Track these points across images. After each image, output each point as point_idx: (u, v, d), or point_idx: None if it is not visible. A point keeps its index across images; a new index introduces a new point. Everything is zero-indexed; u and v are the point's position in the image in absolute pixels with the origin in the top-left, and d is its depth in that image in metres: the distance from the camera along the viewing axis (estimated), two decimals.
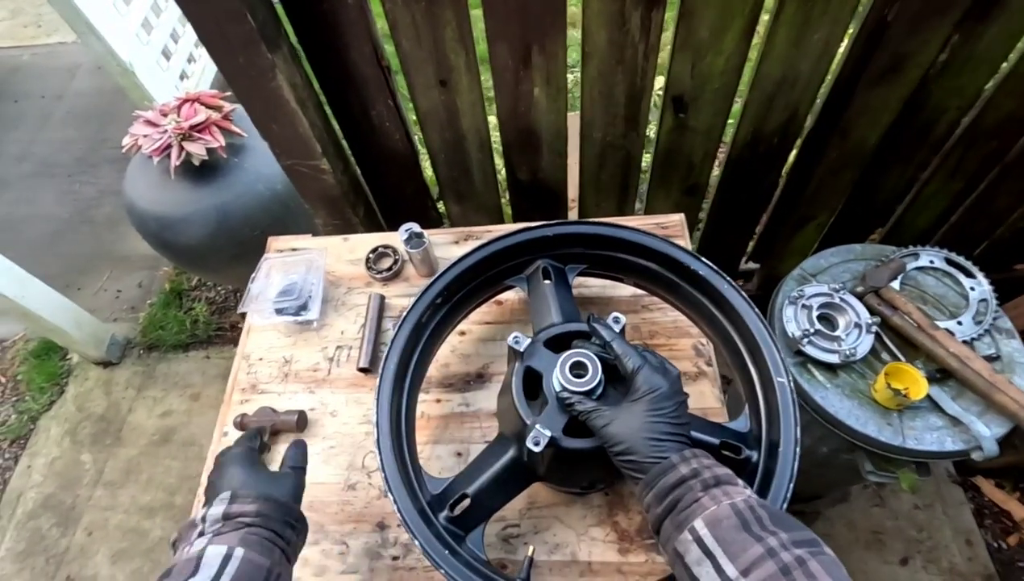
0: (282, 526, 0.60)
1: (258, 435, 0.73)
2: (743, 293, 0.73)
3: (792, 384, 0.66)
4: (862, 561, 1.60)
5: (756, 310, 0.71)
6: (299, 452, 0.71)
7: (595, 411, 0.61)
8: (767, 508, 0.51)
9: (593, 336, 0.68)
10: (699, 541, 0.50)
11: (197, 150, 1.56)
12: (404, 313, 0.76)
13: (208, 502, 0.61)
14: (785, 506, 0.60)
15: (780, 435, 0.64)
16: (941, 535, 1.59)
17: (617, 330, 0.69)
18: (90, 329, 2.11)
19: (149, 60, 2.31)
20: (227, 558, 0.53)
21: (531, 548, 0.69)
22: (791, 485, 0.61)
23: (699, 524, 0.50)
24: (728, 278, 0.74)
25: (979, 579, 1.53)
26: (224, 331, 2.23)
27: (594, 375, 0.63)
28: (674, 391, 0.60)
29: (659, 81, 1.16)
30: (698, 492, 0.52)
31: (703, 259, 0.76)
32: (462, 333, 0.95)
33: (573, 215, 1.63)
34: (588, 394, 0.63)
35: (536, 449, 0.62)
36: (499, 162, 1.39)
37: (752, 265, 1.80)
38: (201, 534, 0.57)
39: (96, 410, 2.11)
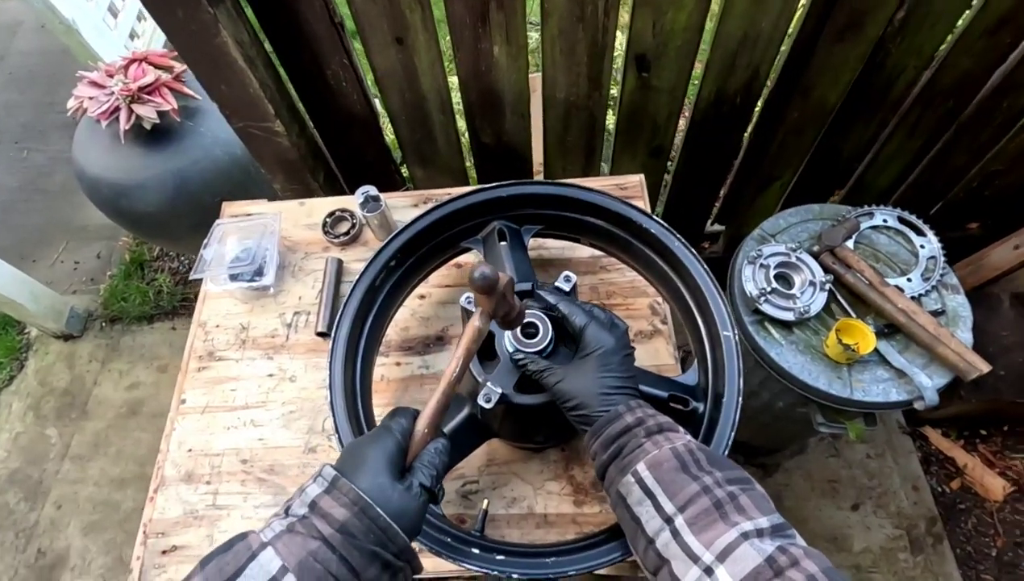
0: (366, 559, 0.44)
1: (409, 433, 0.53)
2: (693, 250, 0.74)
3: (737, 338, 0.68)
4: (817, 508, 1.68)
5: (705, 267, 0.72)
6: (441, 455, 0.53)
7: (547, 370, 0.62)
8: (705, 451, 0.53)
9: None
10: (641, 482, 0.52)
11: (147, 113, 1.49)
12: (357, 277, 0.76)
13: (322, 474, 0.48)
14: (727, 451, 0.62)
15: (724, 386, 0.66)
16: (890, 482, 1.68)
17: (567, 289, 0.69)
18: (48, 302, 2.04)
19: (94, 18, 2.19)
20: None
21: (486, 502, 0.70)
22: (732, 433, 0.63)
23: (641, 467, 0.52)
24: (679, 236, 0.75)
25: (923, 521, 1.62)
26: (189, 302, 2.19)
27: (544, 335, 0.64)
28: (621, 346, 0.61)
29: (622, 40, 1.14)
30: (641, 438, 0.54)
31: (655, 217, 0.76)
32: (422, 296, 0.95)
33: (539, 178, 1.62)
34: (540, 353, 0.64)
35: (487, 406, 0.63)
36: (462, 124, 1.37)
37: (718, 227, 1.82)
38: (287, 512, 0.47)
39: (59, 384, 2.06)
